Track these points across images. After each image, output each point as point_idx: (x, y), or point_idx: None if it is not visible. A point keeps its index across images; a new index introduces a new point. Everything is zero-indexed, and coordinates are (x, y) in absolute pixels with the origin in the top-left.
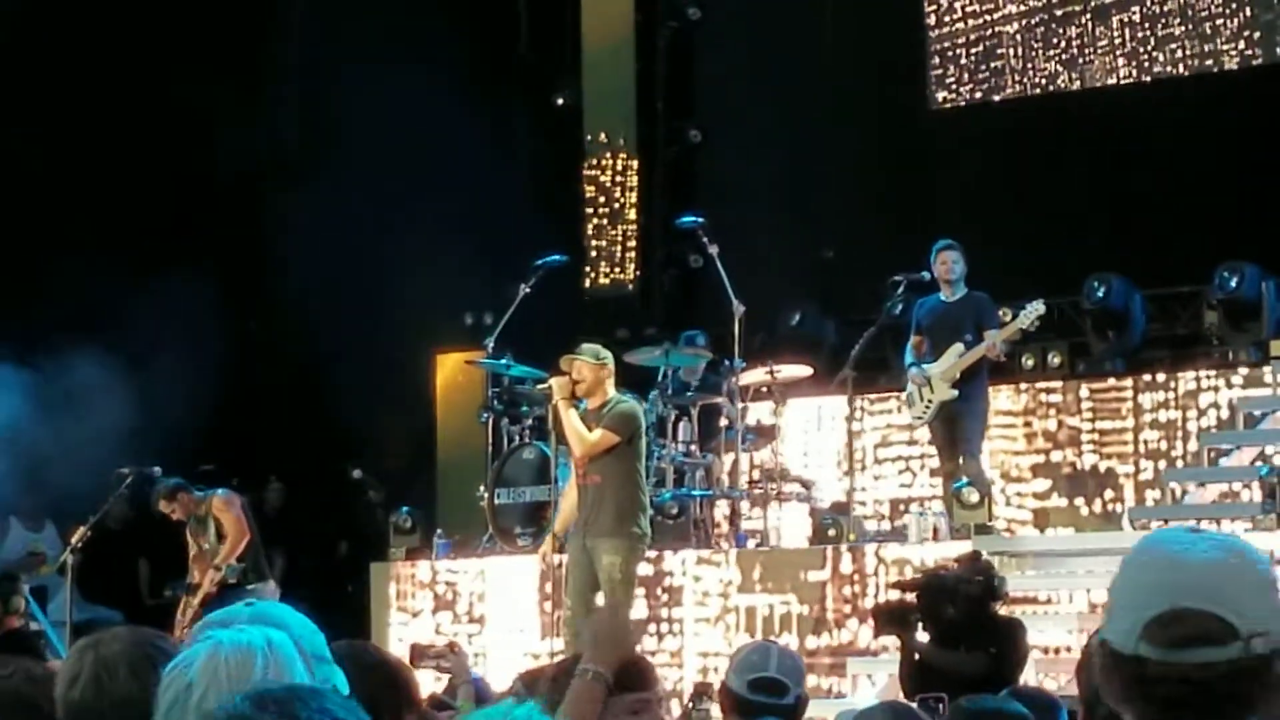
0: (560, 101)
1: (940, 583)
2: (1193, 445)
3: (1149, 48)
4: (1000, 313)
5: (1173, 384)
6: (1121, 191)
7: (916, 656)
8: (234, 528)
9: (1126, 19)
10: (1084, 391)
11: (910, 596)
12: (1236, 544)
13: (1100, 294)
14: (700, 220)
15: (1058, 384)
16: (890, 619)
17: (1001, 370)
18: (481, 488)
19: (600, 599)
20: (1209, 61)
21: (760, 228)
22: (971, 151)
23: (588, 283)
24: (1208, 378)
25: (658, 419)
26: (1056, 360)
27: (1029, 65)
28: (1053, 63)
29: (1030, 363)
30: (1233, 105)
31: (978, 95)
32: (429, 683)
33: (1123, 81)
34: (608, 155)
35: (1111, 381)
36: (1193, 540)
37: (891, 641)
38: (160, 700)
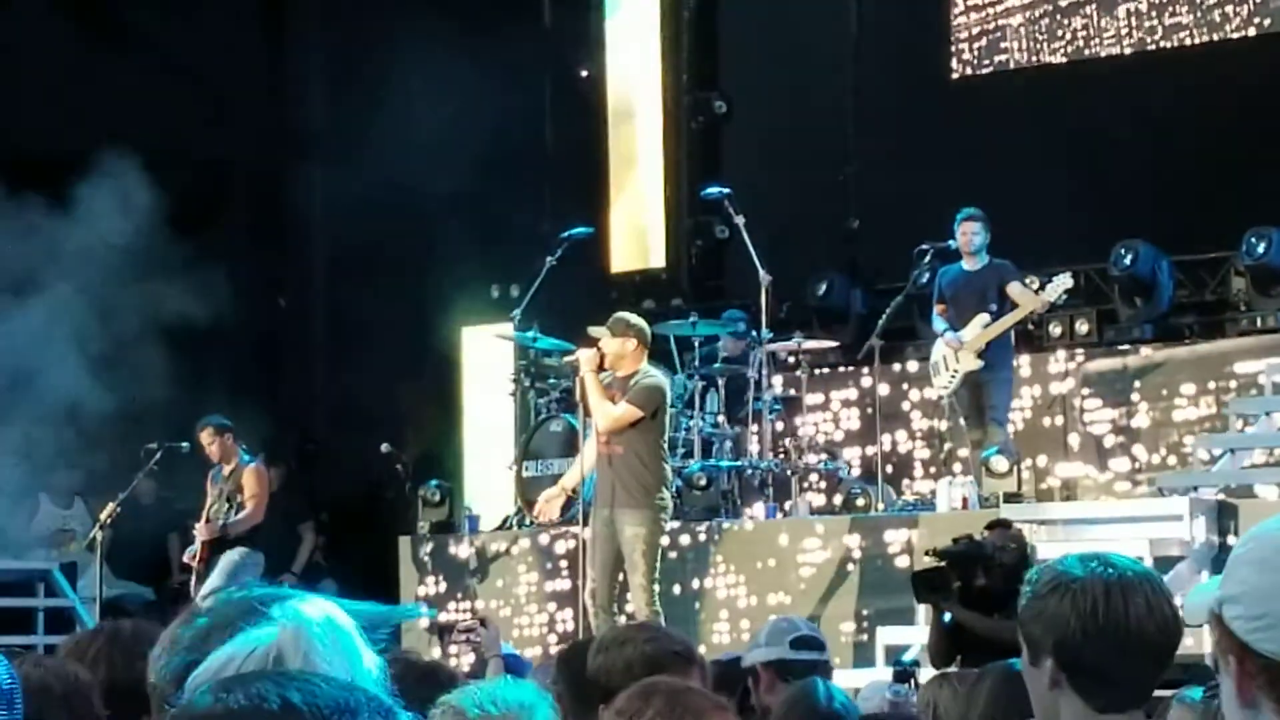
0: (584, 73)
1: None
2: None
3: (1172, 13)
4: (1028, 280)
5: (1202, 350)
6: (1148, 158)
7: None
8: (254, 505)
9: None
10: (1114, 357)
11: (945, 564)
12: None
13: (1128, 261)
14: (726, 191)
15: (1085, 350)
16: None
17: (1029, 338)
18: (509, 461)
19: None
20: (1233, 27)
21: (786, 198)
22: (997, 119)
23: (614, 255)
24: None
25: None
26: (1084, 328)
27: (1055, 31)
28: (1076, 31)
29: (1058, 331)
30: (1259, 70)
31: (1003, 62)
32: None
33: (1148, 47)
34: (632, 127)
35: (1141, 348)
36: None
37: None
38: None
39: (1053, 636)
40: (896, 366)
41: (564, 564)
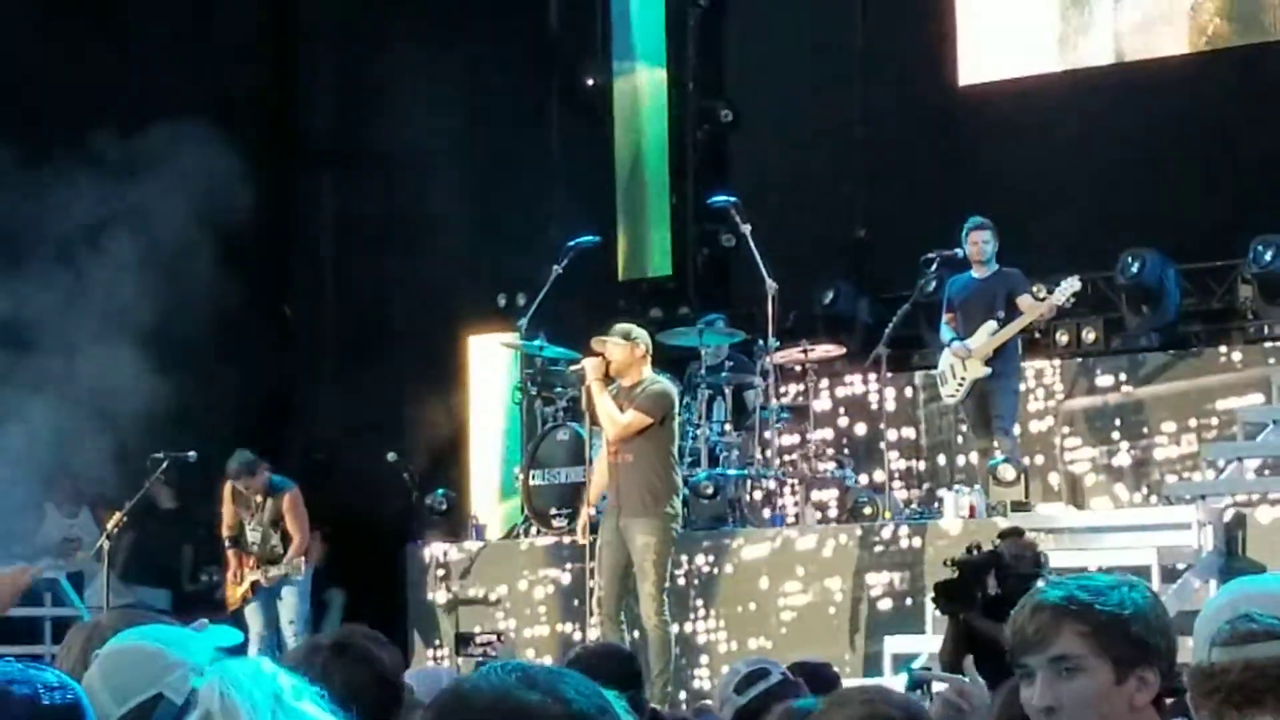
0: (590, 82)
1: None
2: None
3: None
4: (1035, 288)
5: (1209, 358)
6: (1154, 166)
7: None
8: (301, 531)
9: None
10: (1120, 367)
11: (962, 574)
12: None
13: (1134, 269)
14: (732, 199)
15: (1092, 359)
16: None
17: (1035, 346)
18: (516, 470)
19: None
20: (1244, 33)
21: (792, 206)
22: (1004, 128)
23: (620, 263)
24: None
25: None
26: (1091, 336)
27: (1059, 42)
28: (1083, 38)
29: (1065, 339)
30: (1267, 77)
31: (1009, 71)
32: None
33: (1155, 55)
34: (639, 135)
35: (1146, 357)
36: (1266, 576)
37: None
38: None
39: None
40: (903, 375)
41: (571, 573)
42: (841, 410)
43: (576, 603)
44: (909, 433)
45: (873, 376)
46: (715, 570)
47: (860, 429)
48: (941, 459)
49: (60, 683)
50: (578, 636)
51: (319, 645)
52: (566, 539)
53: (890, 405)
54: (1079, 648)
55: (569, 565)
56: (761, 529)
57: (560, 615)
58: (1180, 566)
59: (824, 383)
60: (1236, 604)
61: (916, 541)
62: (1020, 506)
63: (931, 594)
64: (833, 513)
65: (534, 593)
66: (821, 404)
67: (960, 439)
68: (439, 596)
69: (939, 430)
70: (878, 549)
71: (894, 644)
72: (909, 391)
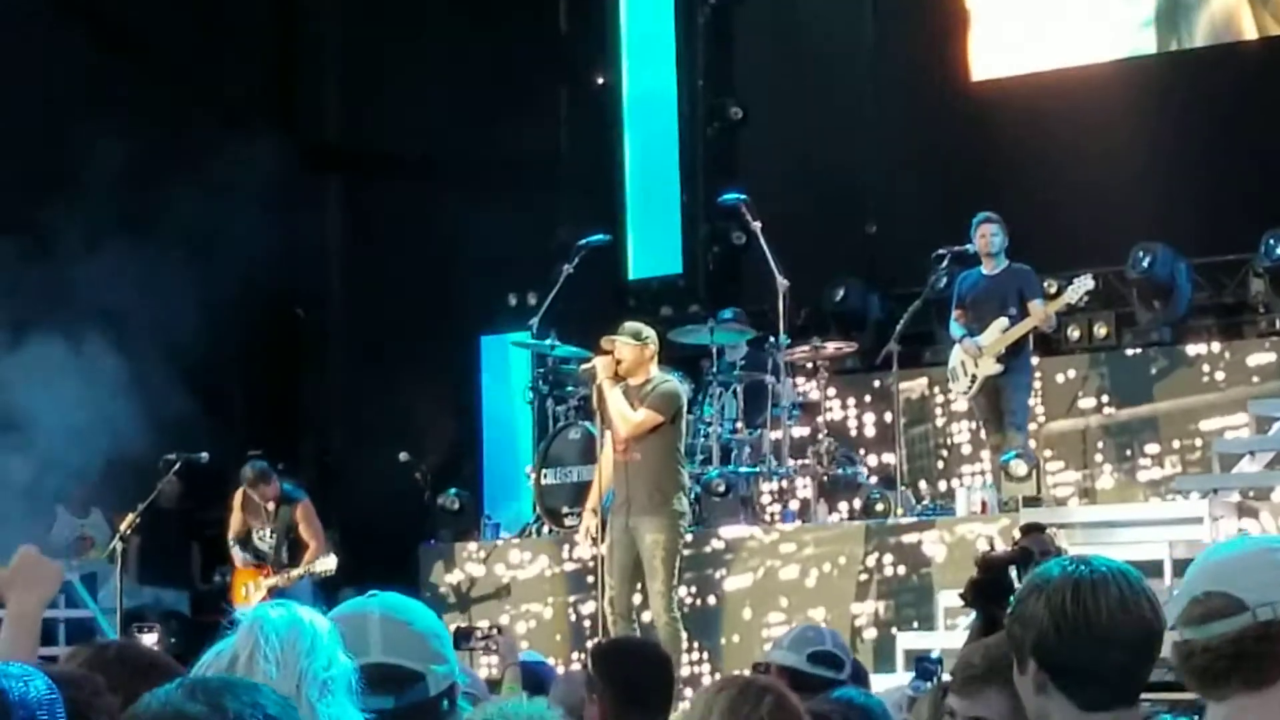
0: (600, 80)
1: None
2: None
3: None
4: (1046, 284)
5: (1220, 353)
6: (1166, 160)
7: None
8: (316, 537)
9: None
10: (1130, 361)
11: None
12: (1265, 540)
13: (1145, 264)
14: (743, 197)
15: (1103, 354)
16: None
17: (1047, 341)
18: (528, 469)
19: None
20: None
21: (803, 203)
22: (1014, 123)
23: (631, 262)
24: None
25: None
26: (1102, 331)
27: (1069, 37)
28: (1093, 34)
29: (1076, 334)
30: (1276, 72)
31: (1020, 65)
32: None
33: (1165, 50)
34: (649, 133)
35: (1156, 351)
36: (1230, 543)
37: None
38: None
39: (1031, 638)
40: (915, 371)
41: (584, 572)
42: (853, 407)
43: (590, 602)
44: (920, 429)
45: (884, 373)
46: (725, 571)
47: (872, 425)
48: (954, 455)
49: (25, 673)
50: (591, 635)
51: None
52: (577, 538)
53: (902, 401)
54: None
55: (582, 565)
56: (773, 525)
57: (573, 613)
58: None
59: (835, 379)
60: (1196, 581)
61: (928, 537)
62: (1032, 502)
63: (961, 591)
64: (844, 509)
65: (547, 592)
66: (833, 401)
67: (971, 435)
68: (451, 596)
69: (950, 427)
70: (889, 545)
71: (906, 640)
72: (921, 388)
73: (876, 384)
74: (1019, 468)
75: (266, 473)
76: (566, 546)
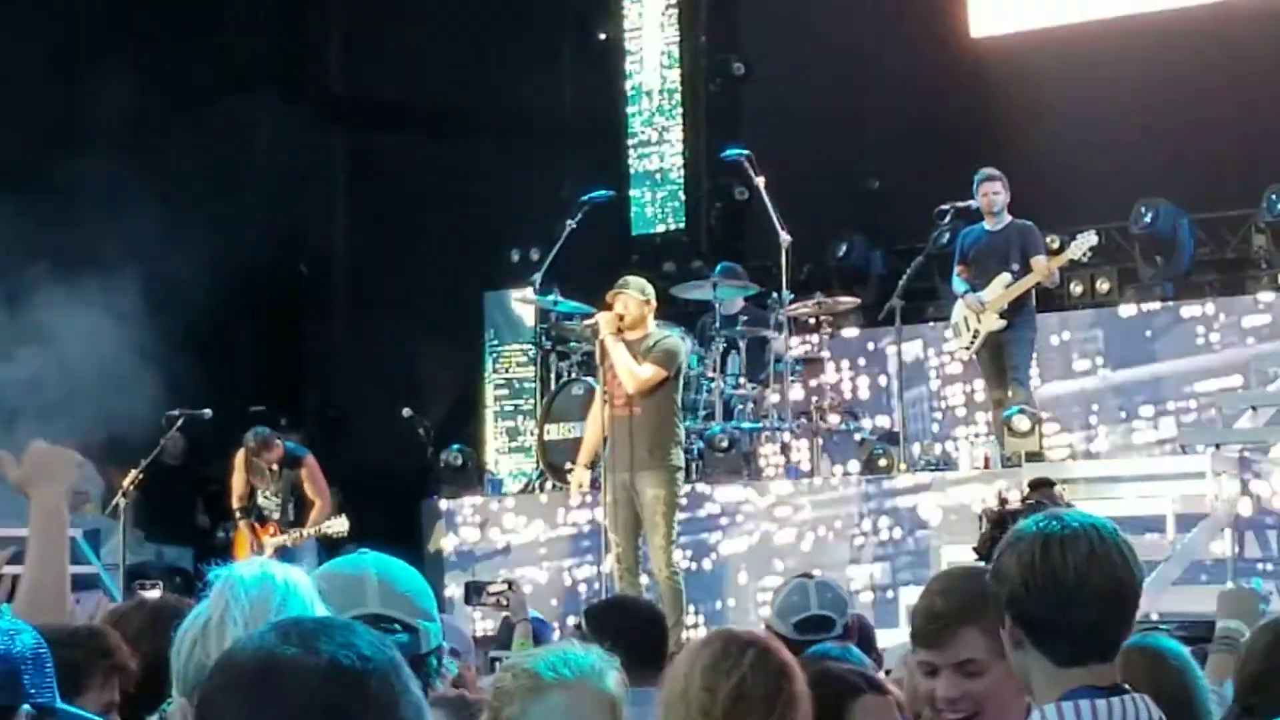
0: (603, 36)
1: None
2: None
3: None
4: (1049, 240)
5: (1223, 307)
6: (1169, 116)
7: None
8: (322, 496)
9: None
10: (1135, 316)
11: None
12: None
13: (1148, 219)
14: (745, 153)
15: (1107, 309)
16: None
17: (1050, 297)
18: (531, 424)
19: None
20: None
21: (805, 159)
22: (1017, 79)
23: (633, 217)
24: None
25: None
26: (1105, 287)
27: None
28: None
29: (1079, 289)
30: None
31: (1023, 21)
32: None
33: (1168, 6)
34: (651, 89)
35: (1161, 306)
36: None
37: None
38: (179, 645)
39: (1005, 594)
40: (917, 327)
41: (586, 527)
42: (856, 362)
43: (592, 557)
44: (915, 391)
45: (887, 329)
46: (720, 535)
47: (874, 381)
48: (948, 418)
49: (12, 627)
50: (593, 589)
51: None
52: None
53: (905, 357)
54: (982, 651)
55: (585, 520)
56: (776, 480)
57: (575, 569)
58: (1198, 511)
59: (838, 335)
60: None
61: (924, 499)
62: (1034, 457)
63: (974, 545)
64: (847, 466)
65: (549, 547)
66: (836, 356)
67: (965, 398)
68: (454, 551)
69: (944, 390)
70: (885, 507)
71: (908, 595)
72: (915, 350)
73: (870, 346)
74: (1022, 423)
75: (269, 440)
76: (562, 510)
